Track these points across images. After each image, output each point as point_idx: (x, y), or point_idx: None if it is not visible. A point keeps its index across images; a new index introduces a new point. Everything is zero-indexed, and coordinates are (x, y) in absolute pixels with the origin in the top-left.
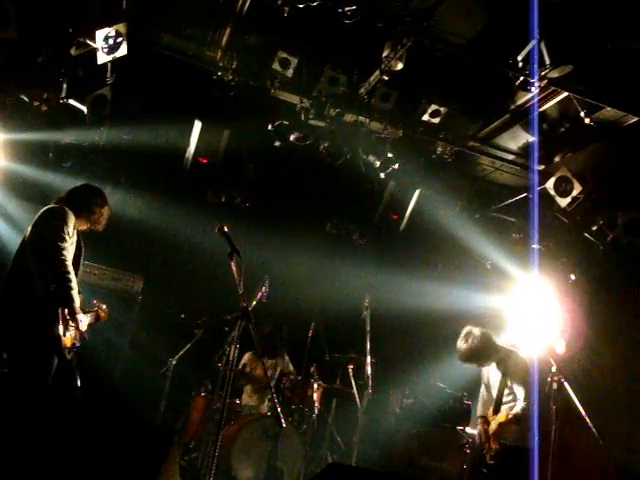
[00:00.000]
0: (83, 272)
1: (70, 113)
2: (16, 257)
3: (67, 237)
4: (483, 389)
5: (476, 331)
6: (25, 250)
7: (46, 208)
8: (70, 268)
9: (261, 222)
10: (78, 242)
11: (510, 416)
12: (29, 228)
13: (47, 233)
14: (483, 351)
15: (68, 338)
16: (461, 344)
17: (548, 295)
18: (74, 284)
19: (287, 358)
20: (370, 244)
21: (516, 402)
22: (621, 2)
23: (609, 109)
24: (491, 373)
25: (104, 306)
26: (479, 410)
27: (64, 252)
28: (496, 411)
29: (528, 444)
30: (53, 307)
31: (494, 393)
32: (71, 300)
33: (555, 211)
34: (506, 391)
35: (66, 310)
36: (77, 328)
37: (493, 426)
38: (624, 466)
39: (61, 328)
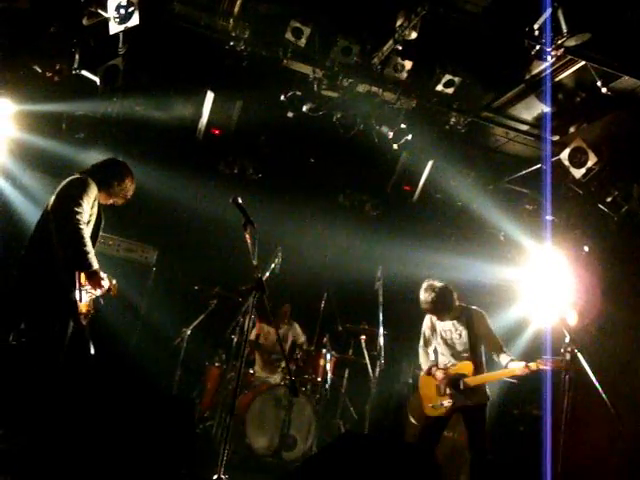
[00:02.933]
0: (98, 242)
1: (82, 84)
2: (36, 226)
3: (84, 204)
4: (426, 346)
5: (437, 283)
6: (45, 219)
7: (69, 178)
8: (84, 232)
9: (274, 193)
10: (98, 214)
11: (534, 368)
12: (52, 197)
13: (65, 199)
14: (443, 303)
15: (84, 304)
16: (423, 295)
17: (561, 266)
18: (89, 247)
19: (298, 328)
20: (383, 215)
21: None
22: None
23: (626, 78)
24: (447, 327)
25: (114, 281)
26: (436, 361)
27: (78, 217)
28: (477, 365)
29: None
30: (69, 272)
31: (463, 346)
32: (87, 263)
33: (569, 182)
34: (477, 340)
35: (83, 274)
36: (99, 288)
37: (481, 379)
38: (635, 436)
39: (77, 293)
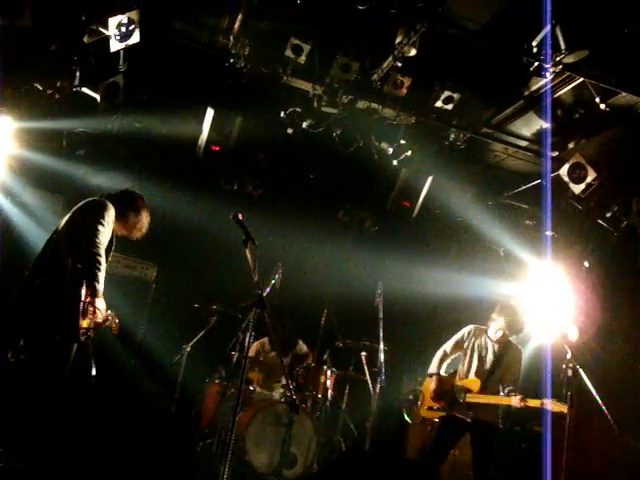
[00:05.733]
0: None
1: (83, 101)
2: (45, 246)
3: (107, 226)
4: (450, 351)
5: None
6: (56, 237)
7: (89, 199)
8: (102, 251)
9: (274, 209)
10: (111, 238)
11: (529, 404)
12: (66, 217)
13: (88, 219)
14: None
15: (85, 320)
16: (518, 315)
17: (561, 282)
18: (103, 267)
19: (300, 343)
20: (383, 231)
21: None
22: None
23: (624, 94)
24: (487, 346)
25: (117, 320)
26: (434, 367)
27: (99, 235)
28: (484, 386)
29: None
30: (76, 285)
31: (485, 367)
32: (96, 280)
33: (569, 198)
34: (498, 368)
35: (88, 290)
36: (93, 311)
37: (482, 398)
38: (638, 452)
39: (81, 305)
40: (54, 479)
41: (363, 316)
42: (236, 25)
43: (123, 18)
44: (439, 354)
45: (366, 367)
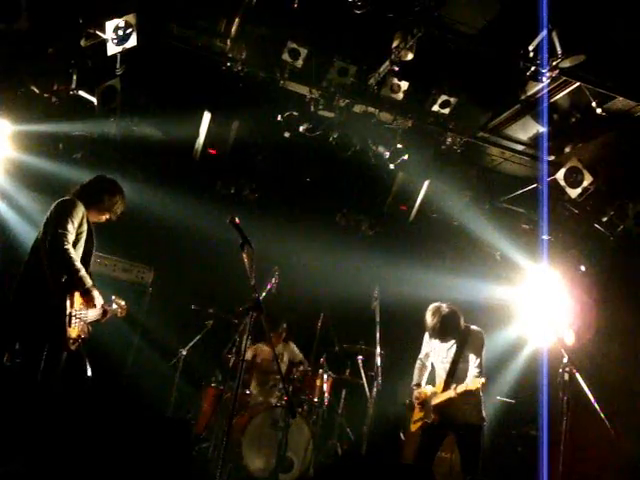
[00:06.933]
0: (94, 262)
1: (80, 104)
2: (32, 249)
3: (69, 226)
4: (424, 359)
5: (445, 308)
6: (38, 245)
7: (58, 201)
8: (72, 252)
9: (270, 213)
10: (89, 233)
11: (460, 390)
12: (44, 220)
13: (52, 224)
14: (450, 328)
15: (74, 329)
16: (429, 319)
17: (558, 286)
18: (79, 265)
19: (295, 348)
20: (379, 235)
21: (468, 371)
22: None
23: (621, 99)
24: (443, 347)
25: (122, 302)
26: (416, 378)
27: (64, 238)
28: (447, 383)
29: (477, 421)
30: (60, 297)
31: (446, 365)
32: (82, 282)
33: (565, 202)
34: (461, 360)
35: (76, 296)
36: (93, 306)
37: (441, 399)
38: (634, 456)
39: (66, 318)
40: None
41: (360, 320)
42: (233, 29)
43: (120, 22)
44: (417, 365)
45: (363, 371)
